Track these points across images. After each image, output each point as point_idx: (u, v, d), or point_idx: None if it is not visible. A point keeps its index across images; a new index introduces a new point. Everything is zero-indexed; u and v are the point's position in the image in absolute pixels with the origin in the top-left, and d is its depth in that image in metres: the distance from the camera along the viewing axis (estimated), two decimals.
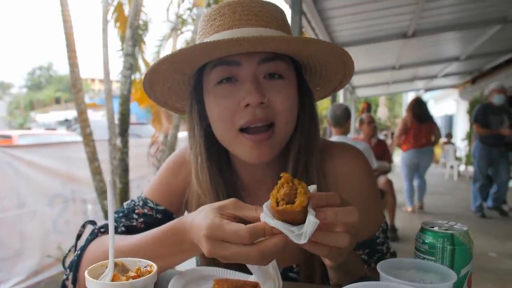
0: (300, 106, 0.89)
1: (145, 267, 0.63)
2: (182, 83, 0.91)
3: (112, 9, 6.04)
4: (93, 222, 0.95)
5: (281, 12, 0.86)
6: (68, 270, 0.87)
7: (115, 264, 0.62)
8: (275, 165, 0.92)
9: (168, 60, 0.77)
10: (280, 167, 0.91)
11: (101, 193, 4.26)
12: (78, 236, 0.93)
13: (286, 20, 0.88)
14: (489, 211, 6.10)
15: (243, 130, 0.80)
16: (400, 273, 0.62)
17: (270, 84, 0.80)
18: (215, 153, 0.90)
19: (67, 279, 0.87)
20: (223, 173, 0.92)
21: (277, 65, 0.81)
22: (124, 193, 4.17)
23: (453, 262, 0.65)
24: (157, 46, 6.89)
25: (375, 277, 0.62)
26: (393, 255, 0.99)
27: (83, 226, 0.95)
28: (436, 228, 0.68)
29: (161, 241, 0.78)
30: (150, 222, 0.95)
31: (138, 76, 6.32)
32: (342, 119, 3.86)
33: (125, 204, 1.01)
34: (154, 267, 0.62)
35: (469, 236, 0.68)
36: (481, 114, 5.74)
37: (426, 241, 0.68)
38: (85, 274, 0.59)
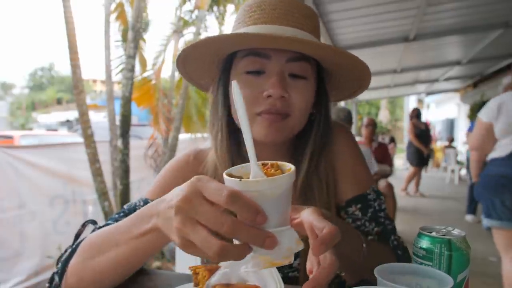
0: (317, 106, 0.96)
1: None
2: (212, 63, 0.97)
3: (113, 8, 6.07)
4: (93, 222, 0.94)
5: (315, 16, 0.93)
6: (59, 264, 0.83)
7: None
8: (288, 156, 1.00)
9: (208, 41, 0.84)
10: (293, 159, 0.98)
11: (102, 195, 4.27)
12: (77, 236, 0.91)
13: (318, 25, 0.95)
14: None
15: (259, 113, 0.87)
16: (397, 277, 0.62)
17: (293, 82, 0.87)
18: (235, 132, 0.96)
19: (56, 272, 0.83)
20: (240, 152, 0.97)
21: (302, 65, 0.88)
22: (124, 195, 4.18)
23: (450, 267, 0.65)
24: (161, 45, 6.89)
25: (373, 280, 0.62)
26: (403, 246, 1.00)
27: (83, 226, 0.93)
28: (433, 233, 0.68)
29: (129, 221, 0.70)
30: None
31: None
32: (346, 122, 3.88)
33: (125, 206, 1.01)
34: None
35: (467, 241, 0.68)
36: None
37: (423, 246, 0.68)
38: (224, 175, 0.55)
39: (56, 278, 0.81)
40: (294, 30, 0.85)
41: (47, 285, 0.83)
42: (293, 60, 0.86)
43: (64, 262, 0.81)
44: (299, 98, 0.87)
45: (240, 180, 0.54)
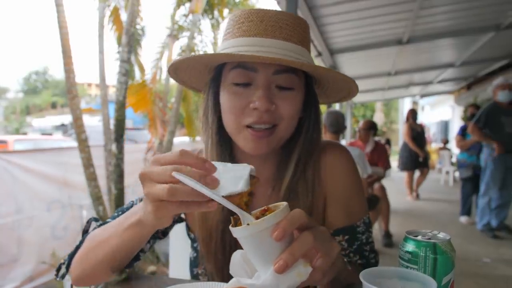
0: (306, 113, 0.98)
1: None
2: (204, 71, 1.00)
3: (108, 13, 6.08)
4: (96, 219, 1.00)
5: (305, 26, 0.94)
6: (67, 257, 0.92)
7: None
8: (275, 161, 1.02)
9: (193, 59, 0.92)
10: (280, 164, 1.01)
11: (96, 199, 4.26)
12: (85, 231, 0.97)
13: (308, 34, 0.96)
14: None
15: (247, 126, 0.89)
16: (382, 281, 0.63)
17: (280, 93, 0.89)
18: (224, 138, 0.98)
19: (63, 263, 0.92)
20: (231, 157, 1.00)
21: (289, 77, 0.90)
22: (119, 199, 4.17)
23: (435, 270, 0.67)
24: (158, 52, 6.90)
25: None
26: (375, 252, 1.04)
27: (88, 222, 1.00)
28: (419, 237, 0.70)
29: (122, 217, 0.82)
30: None
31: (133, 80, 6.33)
32: (341, 126, 3.93)
33: (124, 205, 1.06)
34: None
35: (452, 245, 0.70)
36: (486, 116, 4.92)
37: (409, 249, 0.69)
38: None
39: (64, 269, 0.91)
40: (281, 43, 0.87)
41: (54, 273, 0.93)
42: (280, 72, 0.88)
43: (70, 255, 0.91)
44: (286, 109, 0.89)
45: (248, 224, 0.59)
